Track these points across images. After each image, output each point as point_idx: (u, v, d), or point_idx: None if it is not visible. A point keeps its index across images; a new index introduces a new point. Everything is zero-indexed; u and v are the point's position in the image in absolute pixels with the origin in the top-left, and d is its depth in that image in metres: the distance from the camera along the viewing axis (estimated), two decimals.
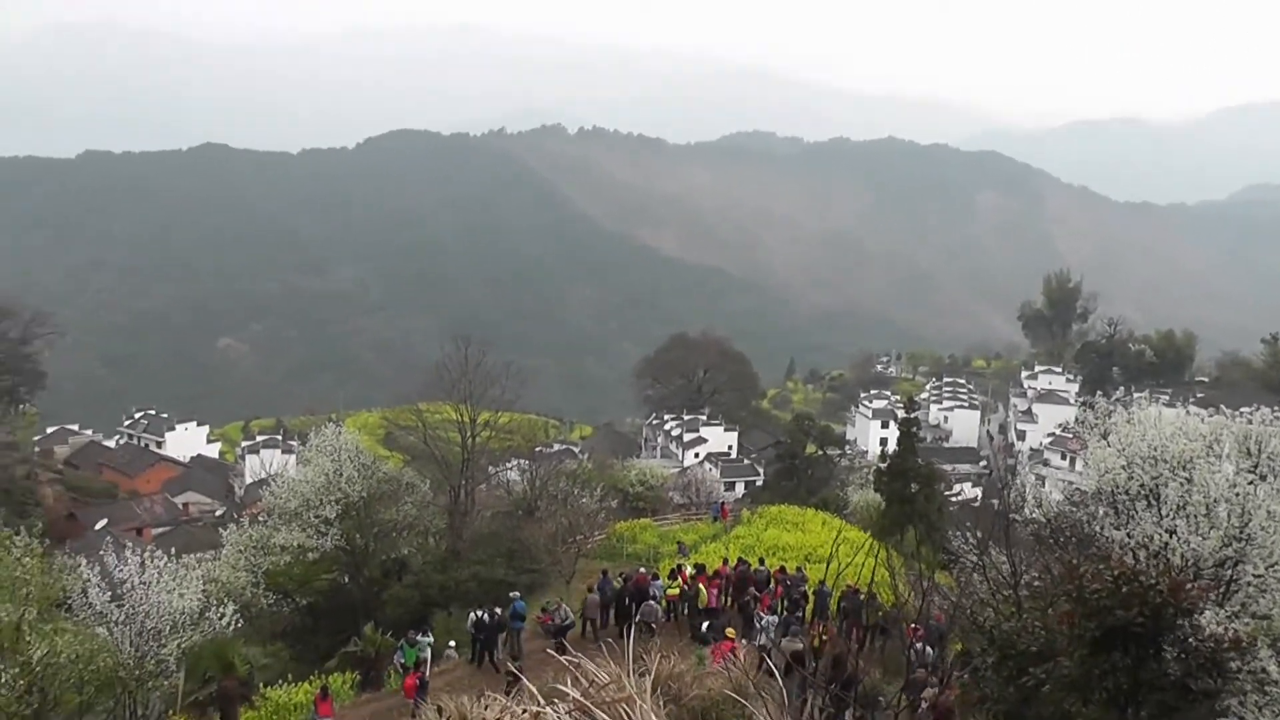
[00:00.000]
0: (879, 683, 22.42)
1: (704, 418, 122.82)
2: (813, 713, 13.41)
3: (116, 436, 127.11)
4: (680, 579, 35.33)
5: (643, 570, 36.61)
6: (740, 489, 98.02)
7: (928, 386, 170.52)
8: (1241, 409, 24.50)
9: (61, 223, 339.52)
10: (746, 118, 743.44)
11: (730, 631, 27.57)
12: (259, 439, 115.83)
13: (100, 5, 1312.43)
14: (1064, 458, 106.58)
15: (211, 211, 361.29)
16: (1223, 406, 26.07)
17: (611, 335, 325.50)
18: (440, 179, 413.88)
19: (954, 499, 73.91)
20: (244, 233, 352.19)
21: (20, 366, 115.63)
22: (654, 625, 31.18)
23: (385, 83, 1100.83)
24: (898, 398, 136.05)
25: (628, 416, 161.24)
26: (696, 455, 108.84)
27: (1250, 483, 20.64)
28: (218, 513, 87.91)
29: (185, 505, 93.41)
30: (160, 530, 78.17)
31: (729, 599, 35.38)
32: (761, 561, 38.78)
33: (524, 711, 10.81)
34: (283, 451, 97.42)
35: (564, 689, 11.03)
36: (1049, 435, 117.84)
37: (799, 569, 37.53)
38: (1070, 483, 46.91)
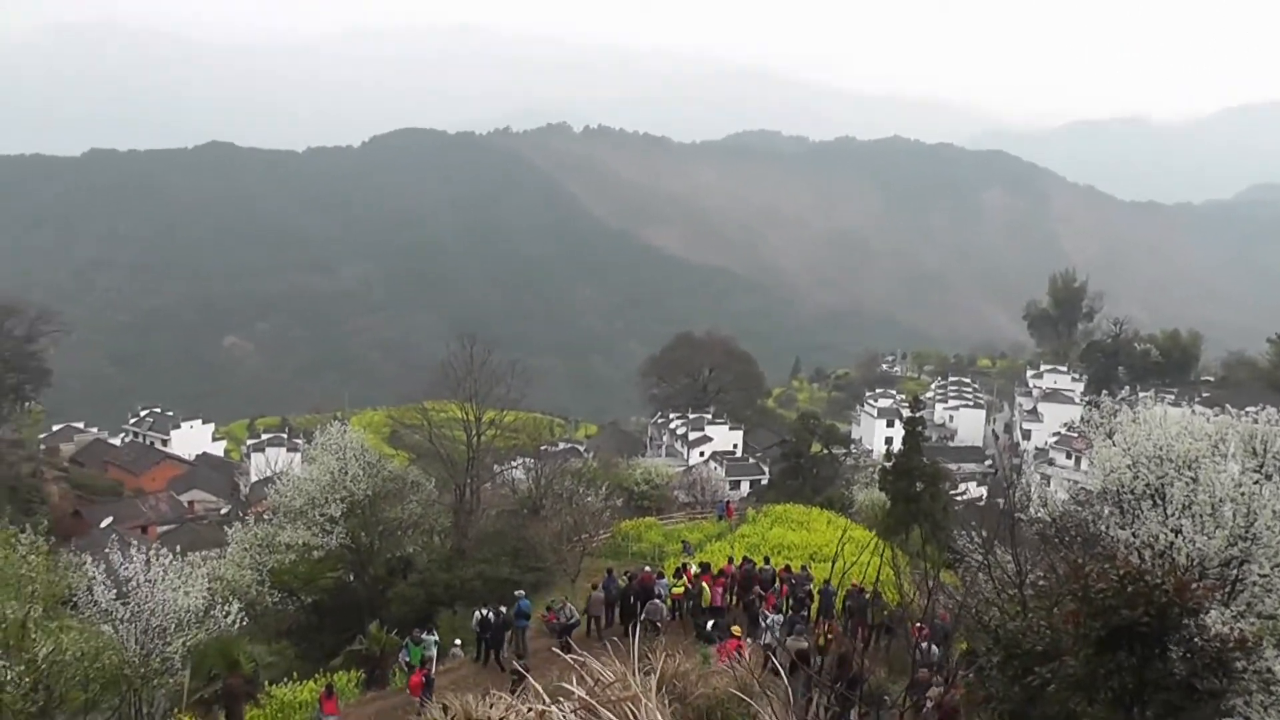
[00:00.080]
0: (884, 682, 22.39)
1: (709, 416, 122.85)
2: (818, 712, 13.39)
3: (122, 434, 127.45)
4: (685, 578, 35.29)
5: (648, 569, 36.59)
6: (745, 488, 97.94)
7: (933, 385, 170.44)
8: (1247, 408, 24.41)
9: (68, 221, 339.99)
10: (747, 117, 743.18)
11: (736, 629, 27.53)
12: (264, 437, 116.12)
13: (100, 5, 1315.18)
14: (1069, 457, 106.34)
15: (217, 210, 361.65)
16: (1228, 406, 26.00)
17: (617, 334, 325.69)
18: (445, 178, 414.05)
19: (959, 498, 73.80)
20: (250, 231, 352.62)
21: (26, 364, 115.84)
22: (659, 624, 31.13)
23: (385, 83, 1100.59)
24: (903, 397, 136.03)
25: (633, 415, 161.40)
26: (702, 454, 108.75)
27: (1256, 482, 20.56)
28: (223, 511, 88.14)
29: (190, 503, 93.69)
30: (165, 528, 78.40)
31: (734, 598, 35.36)
32: (766, 560, 38.76)
33: (529, 710, 10.80)
34: (288, 450, 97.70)
35: (569, 687, 11.03)
36: (1054, 434, 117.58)
37: (804, 568, 37.51)
38: (1075, 482, 46.89)
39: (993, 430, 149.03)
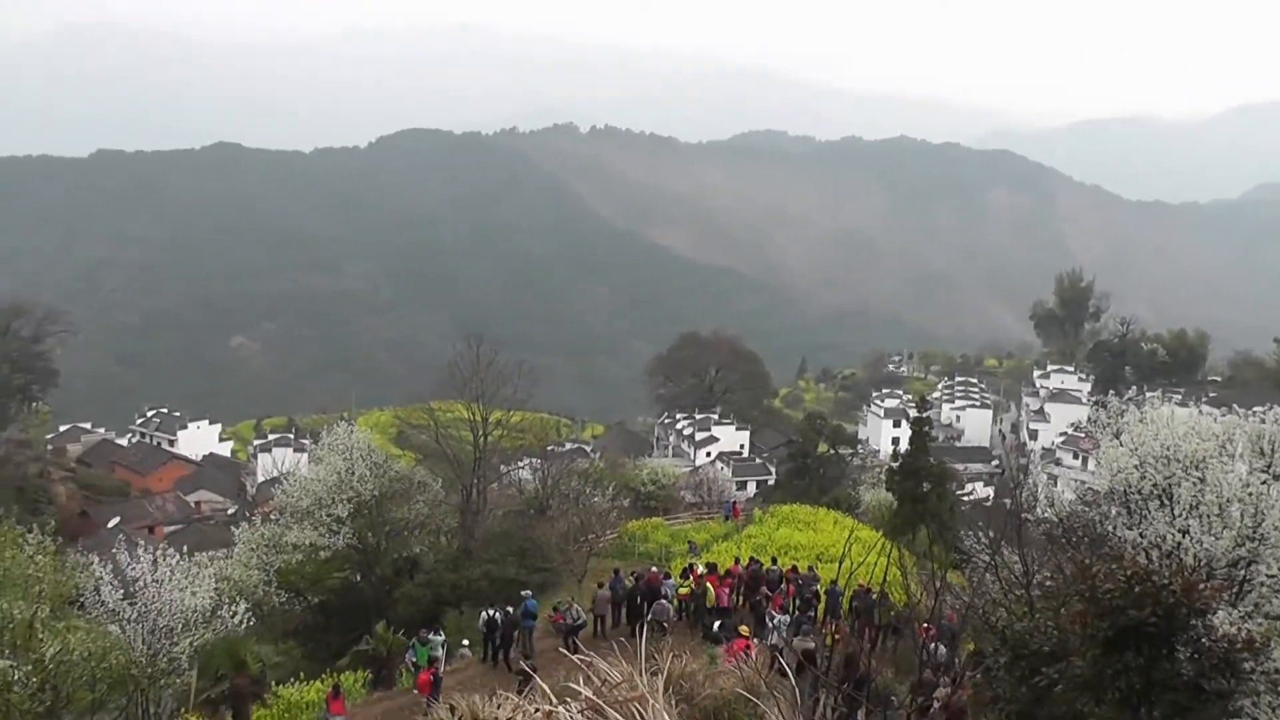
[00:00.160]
0: (891, 682, 22.40)
1: (716, 417, 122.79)
2: (825, 712, 13.39)
3: (129, 435, 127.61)
4: (692, 578, 35.29)
5: (655, 569, 36.60)
6: (752, 488, 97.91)
7: (940, 386, 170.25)
8: (1254, 408, 24.38)
9: (74, 221, 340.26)
10: (748, 117, 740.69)
11: (744, 629, 27.49)
12: (271, 437, 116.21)
13: (100, 5, 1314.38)
14: (1076, 457, 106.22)
15: (224, 210, 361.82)
16: (1235, 406, 25.89)
17: (623, 334, 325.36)
18: (451, 178, 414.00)
19: (966, 498, 73.81)
20: (256, 232, 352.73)
21: (33, 365, 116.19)
22: (666, 624, 31.12)
23: (386, 83, 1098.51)
24: (910, 397, 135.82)
25: (639, 415, 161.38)
26: (708, 454, 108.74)
27: (1264, 483, 20.56)
28: (230, 511, 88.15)
29: (197, 503, 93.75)
30: (172, 528, 78.53)
31: (741, 598, 35.34)
32: (774, 561, 38.76)
33: (536, 710, 10.82)
34: (295, 450, 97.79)
35: (576, 688, 11.05)
36: (1061, 435, 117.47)
37: (811, 568, 37.48)
38: (1083, 482, 46.80)
39: (999, 430, 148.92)
